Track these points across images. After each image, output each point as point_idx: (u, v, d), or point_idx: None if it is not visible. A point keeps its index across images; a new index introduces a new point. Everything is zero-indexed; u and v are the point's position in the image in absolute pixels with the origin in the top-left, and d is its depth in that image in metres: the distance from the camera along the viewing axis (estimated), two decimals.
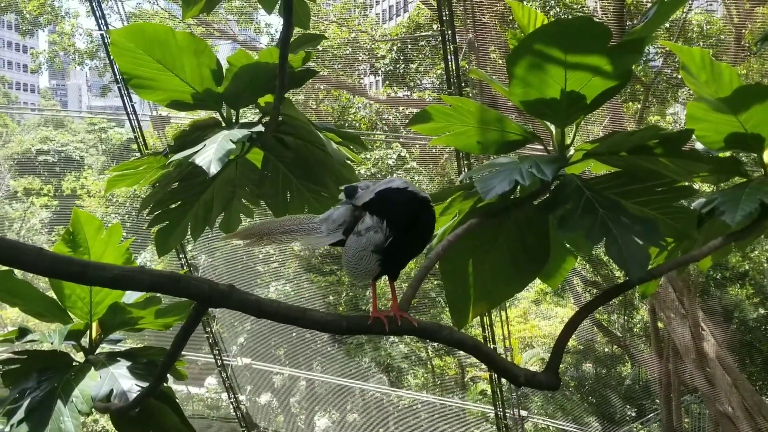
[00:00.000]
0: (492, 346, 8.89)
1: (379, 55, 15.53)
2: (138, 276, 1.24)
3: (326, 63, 15.50)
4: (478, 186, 1.50)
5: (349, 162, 2.05)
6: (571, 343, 19.14)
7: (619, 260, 1.41)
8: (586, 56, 1.49)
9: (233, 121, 2.03)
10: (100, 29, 8.73)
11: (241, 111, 2.08)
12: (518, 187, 1.70)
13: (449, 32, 7.51)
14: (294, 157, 2.09)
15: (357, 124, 16.73)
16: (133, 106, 8.79)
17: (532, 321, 20.46)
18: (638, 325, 16.72)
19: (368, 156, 16.05)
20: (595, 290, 16.63)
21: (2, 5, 16.31)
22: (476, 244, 1.76)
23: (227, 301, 1.27)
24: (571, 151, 1.70)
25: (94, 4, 8.36)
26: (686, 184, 1.66)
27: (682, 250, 1.95)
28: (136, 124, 8.86)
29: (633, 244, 1.43)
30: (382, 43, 15.51)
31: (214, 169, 1.70)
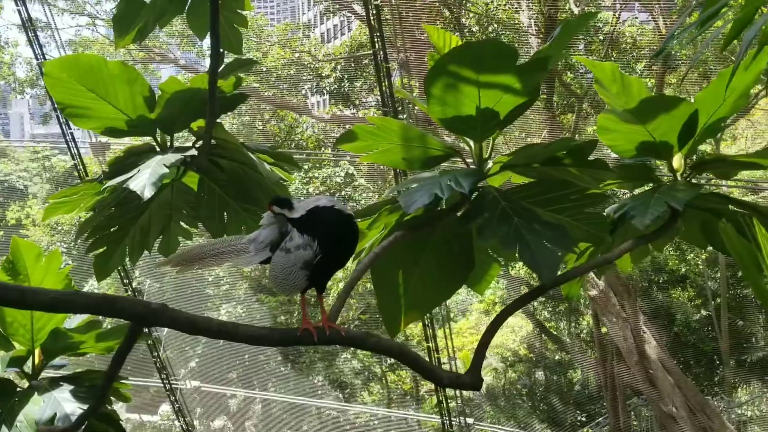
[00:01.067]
0: (436, 356, 9.00)
1: (323, 75, 15.62)
2: (74, 299, 1.29)
3: (271, 83, 15.54)
4: (400, 200, 1.58)
5: (282, 181, 2.11)
6: (522, 351, 19.40)
7: (532, 265, 1.50)
8: (497, 75, 1.59)
9: (168, 146, 2.08)
10: (37, 59, 8.65)
11: (176, 136, 2.14)
12: (444, 200, 1.79)
13: (381, 53, 7.66)
14: (229, 178, 2.14)
15: (304, 143, 16.78)
16: (72, 134, 8.71)
17: (483, 331, 20.67)
18: (585, 331, 17.03)
19: (317, 174, 16.11)
20: (543, 298, 16.90)
21: None
22: (405, 256, 1.84)
23: (160, 319, 1.32)
24: (490, 164, 1.79)
25: (30, 34, 8.28)
26: (597, 191, 1.77)
27: (601, 254, 2.06)
28: (76, 152, 8.78)
29: (544, 249, 1.53)
30: (325, 63, 15.61)
31: (148, 194, 1.75)
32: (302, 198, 1.59)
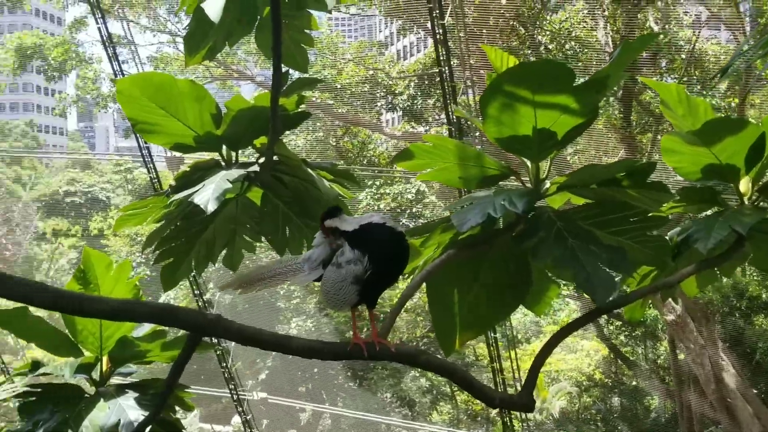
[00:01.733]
0: (500, 378, 8.90)
1: (396, 92, 15.73)
2: (135, 308, 1.34)
3: (345, 100, 15.73)
4: (453, 219, 1.59)
5: (341, 198, 2.15)
6: (597, 376, 18.97)
7: (586, 287, 1.49)
8: (553, 95, 1.59)
9: (232, 161, 2.15)
10: (116, 75, 9.01)
11: (241, 152, 2.20)
12: (499, 219, 1.80)
13: (447, 72, 7.69)
14: (291, 194, 2.19)
15: (376, 160, 16.91)
16: (148, 148, 9.02)
17: (558, 354, 20.31)
18: (662, 357, 16.54)
19: (388, 191, 16.19)
20: (619, 322, 16.52)
21: (29, 52, 16.80)
22: (461, 274, 1.85)
23: (215, 329, 1.37)
24: (547, 185, 1.79)
25: (110, 50, 8.63)
26: (658, 214, 1.74)
27: (665, 278, 2.02)
28: (152, 166, 9.08)
29: (600, 271, 1.51)
30: (399, 80, 15.72)
31: (211, 207, 1.81)
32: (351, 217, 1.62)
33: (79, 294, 1.29)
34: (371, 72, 15.68)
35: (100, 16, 8.73)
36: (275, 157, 2.04)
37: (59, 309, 1.31)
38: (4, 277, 1.23)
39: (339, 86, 15.07)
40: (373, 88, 15.59)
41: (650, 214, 1.75)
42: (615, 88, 10.80)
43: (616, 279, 1.62)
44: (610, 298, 1.49)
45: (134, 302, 1.37)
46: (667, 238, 1.85)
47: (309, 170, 2.03)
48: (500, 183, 1.93)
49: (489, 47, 1.78)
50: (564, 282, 2.05)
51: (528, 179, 1.81)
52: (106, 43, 8.71)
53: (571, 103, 1.60)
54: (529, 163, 1.78)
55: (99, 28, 8.69)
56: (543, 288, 1.96)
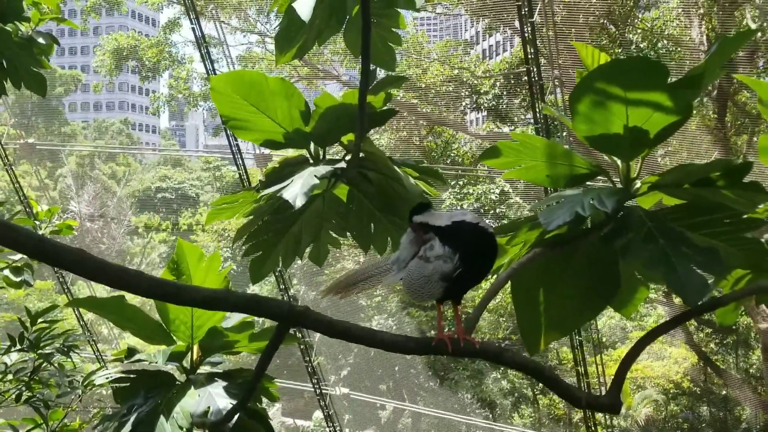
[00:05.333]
0: (585, 381, 8.73)
1: (481, 91, 15.63)
2: (224, 297, 1.39)
3: (429, 99, 15.74)
4: (541, 217, 1.58)
5: (426, 195, 2.16)
6: (685, 384, 18.40)
7: (677, 288, 1.45)
8: (646, 93, 1.56)
9: (320, 158, 2.19)
10: (208, 74, 9.27)
11: (328, 149, 2.24)
12: (588, 219, 1.77)
13: (535, 70, 7.59)
14: (376, 191, 2.22)
15: (460, 160, 16.85)
16: (237, 146, 9.25)
17: (644, 361, 19.82)
18: (755, 366, 15.92)
19: (471, 191, 16.11)
20: (709, 330, 15.99)
21: (124, 53, 17.46)
22: (547, 273, 1.83)
23: (303, 319, 1.40)
24: (638, 184, 1.75)
25: (203, 50, 8.89)
26: (755, 215, 1.68)
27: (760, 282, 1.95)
28: (241, 162, 9.31)
29: (692, 273, 1.47)
30: (484, 79, 15.62)
31: (299, 203, 1.85)
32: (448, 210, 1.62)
33: (174, 282, 1.34)
34: (456, 71, 15.64)
35: (194, 16, 9.01)
36: (361, 154, 2.07)
37: (155, 296, 1.36)
38: (106, 265, 1.29)
39: (423, 86, 15.09)
40: (457, 87, 15.54)
41: (746, 216, 1.69)
42: (709, 88, 10.45)
43: (709, 282, 1.58)
44: (702, 301, 1.45)
45: (225, 291, 1.42)
46: (763, 241, 1.79)
47: (394, 167, 2.05)
48: (588, 183, 1.91)
49: (580, 44, 1.76)
50: (653, 285, 2.00)
51: (618, 179, 1.78)
52: (200, 42, 8.98)
53: (665, 100, 1.56)
54: (619, 162, 1.75)
55: (193, 29, 8.97)
56: (631, 290, 1.92)
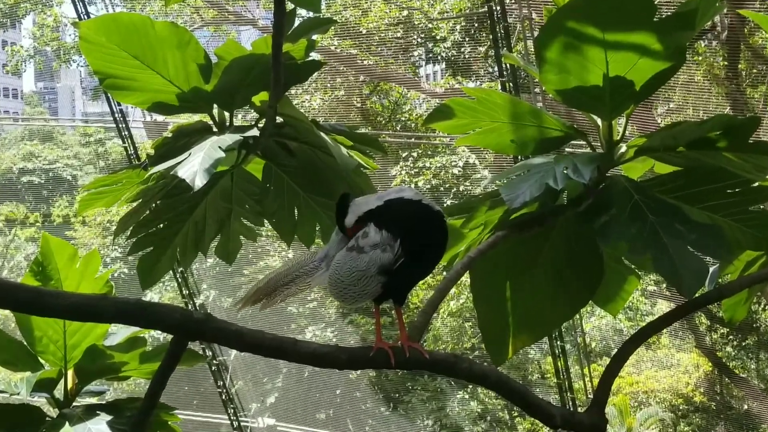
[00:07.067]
0: (569, 397, 8.89)
1: (438, 38, 15.64)
2: (100, 304, 1.38)
3: (372, 49, 15.69)
4: (503, 192, 1.60)
5: (363, 169, 2.17)
6: (698, 398, 18.84)
7: (670, 275, 1.50)
8: (629, 34, 1.59)
9: (226, 124, 2.18)
10: (80, 18, 9.03)
11: (236, 113, 2.23)
12: (563, 193, 1.81)
13: (498, 10, 7.61)
14: (300, 165, 2.22)
15: (413, 125, 16.88)
16: (121, 111, 9.04)
17: (648, 370, 20.17)
18: None
19: (428, 164, 16.16)
20: (724, 330, 16.38)
21: None
22: (514, 263, 1.87)
23: (203, 330, 1.40)
24: (622, 148, 1.79)
25: None
26: (763, 184, 1.74)
27: None
28: (127, 133, 9.11)
29: (688, 255, 1.52)
30: (441, 22, 15.63)
31: (199, 182, 1.83)
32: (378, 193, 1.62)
33: (32, 287, 1.32)
34: (405, 12, 15.63)
35: None
36: (279, 119, 2.06)
37: (6, 305, 1.34)
38: None
39: (364, 31, 15.04)
40: (407, 32, 15.53)
41: (753, 185, 1.74)
42: (718, 29, 10.65)
43: (711, 267, 1.63)
44: (701, 290, 1.50)
45: (99, 297, 1.41)
46: None
47: (322, 135, 2.05)
48: (564, 148, 1.95)
49: None
50: (648, 274, 2.06)
51: (598, 143, 1.82)
52: None
53: (652, 43, 1.60)
54: (599, 122, 1.79)
55: None
56: (619, 280, 1.97)
